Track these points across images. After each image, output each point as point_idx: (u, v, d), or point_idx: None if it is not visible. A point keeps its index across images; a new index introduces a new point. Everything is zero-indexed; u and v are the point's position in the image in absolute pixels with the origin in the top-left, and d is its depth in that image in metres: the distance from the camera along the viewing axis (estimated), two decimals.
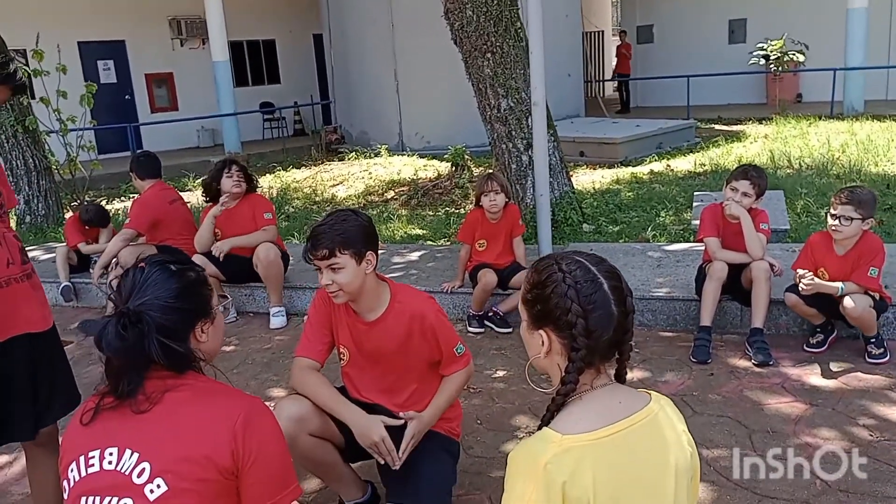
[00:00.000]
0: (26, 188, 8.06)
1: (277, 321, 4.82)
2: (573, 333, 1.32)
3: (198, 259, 4.48)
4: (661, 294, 4.25)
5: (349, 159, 12.31)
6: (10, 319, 2.10)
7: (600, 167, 10.03)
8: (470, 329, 4.41)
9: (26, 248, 2.27)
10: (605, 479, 1.23)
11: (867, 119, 12.01)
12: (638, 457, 1.28)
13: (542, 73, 4.51)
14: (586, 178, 9.06)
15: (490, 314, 4.44)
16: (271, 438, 1.50)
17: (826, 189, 7.00)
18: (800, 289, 3.52)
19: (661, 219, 6.52)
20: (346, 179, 10.63)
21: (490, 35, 5.90)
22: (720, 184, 6.67)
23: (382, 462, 2.20)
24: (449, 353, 2.38)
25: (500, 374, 3.81)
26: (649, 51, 19.13)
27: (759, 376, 3.53)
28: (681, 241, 5.59)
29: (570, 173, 7.02)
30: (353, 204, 8.93)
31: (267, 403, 1.67)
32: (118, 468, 1.40)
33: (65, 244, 5.81)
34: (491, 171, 5.68)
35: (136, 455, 1.40)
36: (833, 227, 3.51)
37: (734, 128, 12.88)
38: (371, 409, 2.34)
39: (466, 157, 9.24)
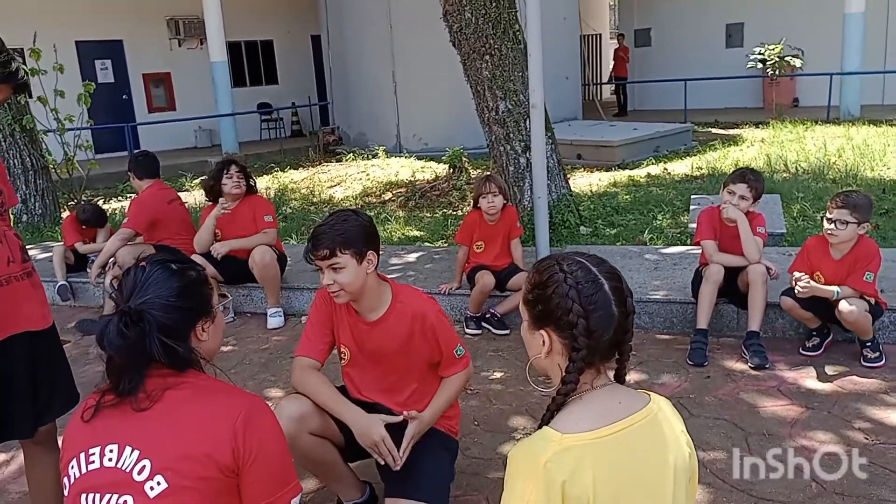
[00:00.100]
0: (23, 187, 8.04)
1: (275, 321, 4.83)
2: (574, 333, 1.33)
3: (196, 259, 4.48)
4: (657, 297, 4.26)
5: (347, 160, 12.32)
6: (11, 318, 2.11)
7: (597, 170, 10.05)
8: (467, 330, 4.42)
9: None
10: (605, 478, 1.24)
11: (863, 124, 12.06)
12: (637, 456, 1.29)
13: (541, 76, 4.52)
14: (583, 181, 9.08)
15: (488, 316, 4.45)
16: (271, 436, 1.51)
17: (822, 193, 7.03)
18: (796, 292, 3.54)
19: (658, 222, 6.54)
20: (343, 181, 10.63)
21: (489, 37, 5.91)
22: (717, 187, 6.69)
23: (383, 463, 2.20)
24: (449, 355, 2.39)
25: (498, 375, 3.82)
26: (647, 54, 19.18)
27: (756, 379, 3.55)
28: (678, 245, 5.61)
29: (568, 176, 7.03)
30: (351, 205, 8.93)
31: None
32: (119, 465, 1.40)
33: (62, 243, 5.80)
34: (489, 173, 5.69)
35: (136, 452, 1.41)
36: (829, 231, 3.52)
37: (731, 132, 12.92)
38: (371, 408, 2.35)
39: (464, 159, 9.26)
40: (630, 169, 9.91)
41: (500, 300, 4.48)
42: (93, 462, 1.42)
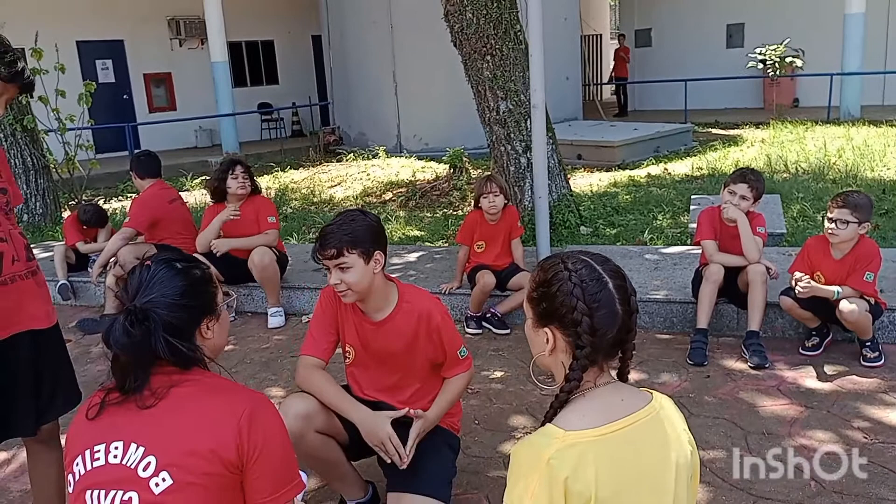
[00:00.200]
0: (24, 187, 8.05)
1: (275, 321, 4.84)
2: (578, 331, 1.34)
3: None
4: (658, 297, 4.27)
5: (347, 160, 12.33)
6: (15, 316, 2.12)
7: (598, 170, 10.06)
8: (468, 330, 4.43)
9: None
10: (608, 474, 1.25)
11: (863, 124, 12.07)
12: (640, 453, 1.30)
13: (542, 76, 4.53)
14: (584, 181, 9.09)
15: (488, 315, 4.46)
16: (276, 433, 1.52)
17: (822, 193, 7.04)
18: (796, 292, 3.55)
19: (659, 222, 6.55)
20: (344, 180, 10.64)
21: (490, 37, 5.93)
22: (717, 187, 6.70)
23: (389, 461, 2.21)
24: (452, 356, 2.41)
25: (498, 374, 3.83)
26: (647, 54, 19.19)
27: (755, 379, 3.56)
28: (678, 245, 5.62)
29: (568, 176, 7.05)
30: (351, 205, 8.94)
31: None
32: (124, 462, 1.41)
33: (63, 243, 5.81)
34: (490, 173, 5.70)
35: (141, 449, 1.42)
36: (830, 231, 3.54)
37: (731, 132, 12.93)
38: (374, 406, 2.36)
39: (464, 159, 9.27)
40: (630, 169, 9.92)
41: (500, 300, 4.49)
42: (98, 459, 1.43)
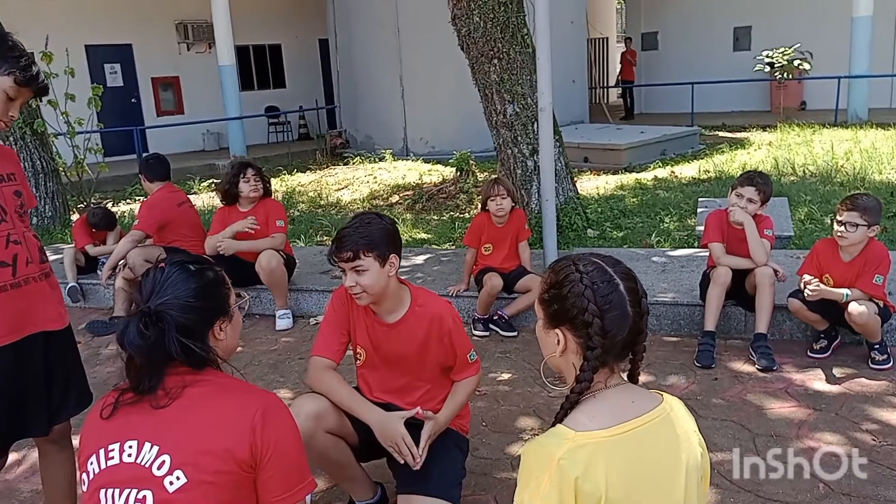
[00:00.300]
0: (34, 190, 8.08)
1: (283, 323, 4.86)
2: (589, 333, 1.35)
3: None
4: (665, 299, 4.27)
5: (354, 164, 12.35)
6: (29, 317, 2.14)
7: (604, 173, 10.06)
8: (475, 332, 4.44)
9: None
10: (618, 475, 1.26)
11: (871, 127, 12.03)
12: (650, 454, 1.31)
13: (550, 79, 4.54)
14: (590, 184, 9.09)
15: (495, 318, 4.47)
16: (288, 433, 1.54)
17: (830, 196, 7.02)
18: (805, 294, 3.55)
19: (666, 225, 6.55)
20: (350, 184, 10.66)
21: (497, 41, 5.94)
22: (724, 190, 6.70)
23: (402, 462, 2.22)
24: (462, 359, 2.42)
25: (505, 376, 3.84)
26: (653, 58, 19.19)
27: (763, 381, 3.55)
28: (685, 247, 5.61)
29: (575, 179, 7.05)
30: (358, 208, 8.96)
31: None
32: (138, 461, 1.43)
33: (72, 245, 5.85)
34: (497, 175, 5.71)
35: (156, 448, 1.43)
36: (839, 234, 3.53)
37: (738, 135, 12.91)
38: (384, 408, 2.37)
39: (471, 162, 9.28)
40: (637, 172, 9.92)
41: (507, 302, 4.50)
42: (112, 458, 1.45)
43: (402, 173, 10.91)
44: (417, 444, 2.23)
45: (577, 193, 6.77)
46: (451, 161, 9.72)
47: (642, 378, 3.70)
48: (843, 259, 3.61)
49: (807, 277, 3.57)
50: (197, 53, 16.78)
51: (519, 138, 6.07)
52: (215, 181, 11.13)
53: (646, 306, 1.39)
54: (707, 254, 4.14)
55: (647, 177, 9.36)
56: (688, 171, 9.56)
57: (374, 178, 10.84)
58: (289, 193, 10.07)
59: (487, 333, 4.45)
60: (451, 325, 2.37)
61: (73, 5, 14.43)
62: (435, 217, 8.02)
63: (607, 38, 24.69)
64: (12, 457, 3.30)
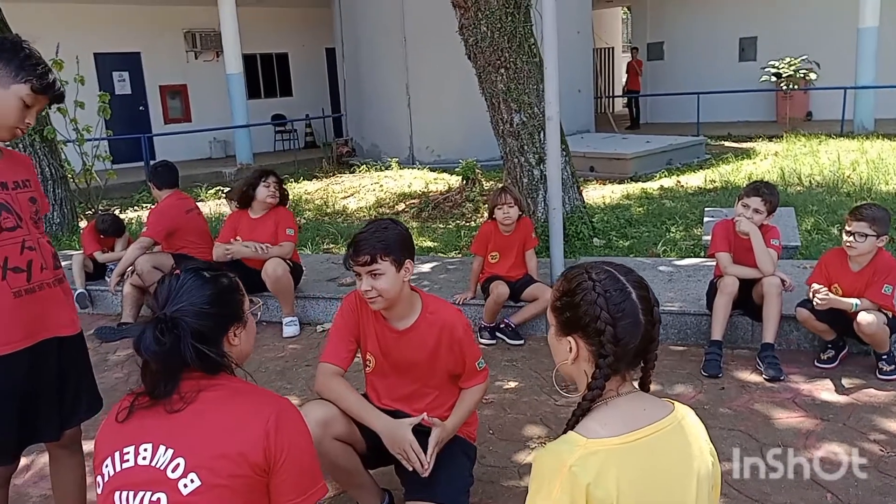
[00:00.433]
0: None
1: (290, 330, 4.87)
2: (601, 340, 1.36)
3: None
4: (672, 308, 4.27)
5: (360, 172, 12.40)
6: (42, 322, 2.16)
7: (610, 182, 10.08)
8: (481, 340, 4.44)
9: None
10: (629, 482, 1.27)
11: (877, 137, 12.03)
12: (661, 463, 1.32)
13: (557, 89, 4.56)
14: (596, 193, 9.10)
15: (502, 326, 4.47)
16: (301, 438, 1.55)
17: (836, 207, 7.02)
18: (814, 304, 3.54)
19: (672, 234, 6.55)
20: (357, 192, 10.70)
21: (504, 51, 5.98)
22: (731, 200, 6.70)
23: (411, 469, 2.23)
24: (471, 367, 2.44)
25: (512, 385, 3.85)
26: (659, 67, 19.22)
27: (770, 391, 3.55)
28: (691, 257, 5.62)
29: (581, 188, 7.07)
30: (365, 216, 8.99)
31: None
32: (153, 463, 1.45)
33: (81, 252, 5.88)
34: (504, 184, 5.73)
35: (170, 451, 1.45)
36: (848, 244, 3.54)
37: (744, 145, 12.92)
38: (391, 415, 2.38)
39: (477, 170, 9.31)
40: (643, 181, 9.93)
41: (514, 310, 4.50)
42: (127, 461, 1.46)
43: (407, 182, 10.95)
44: (425, 451, 2.24)
45: (584, 202, 6.79)
46: (456, 170, 9.76)
47: None
48: (852, 269, 3.61)
49: (815, 287, 3.57)
50: (205, 62, 16.88)
51: (525, 147, 6.10)
52: (222, 188, 11.20)
53: (658, 315, 1.40)
54: (714, 263, 4.15)
55: (652, 186, 9.37)
56: (694, 180, 9.57)
57: (381, 186, 10.88)
58: (295, 201, 10.10)
59: (494, 342, 4.46)
60: (462, 334, 2.39)
61: (82, 14, 14.54)
62: (441, 225, 8.05)
63: (613, 48, 24.79)
64: (20, 462, 3.33)
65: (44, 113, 7.67)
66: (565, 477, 1.25)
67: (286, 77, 18.59)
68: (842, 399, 3.42)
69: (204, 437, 1.46)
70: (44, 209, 2.25)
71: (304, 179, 12.41)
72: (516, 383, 3.86)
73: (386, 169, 12.15)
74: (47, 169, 8.15)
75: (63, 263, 6.17)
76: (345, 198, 10.42)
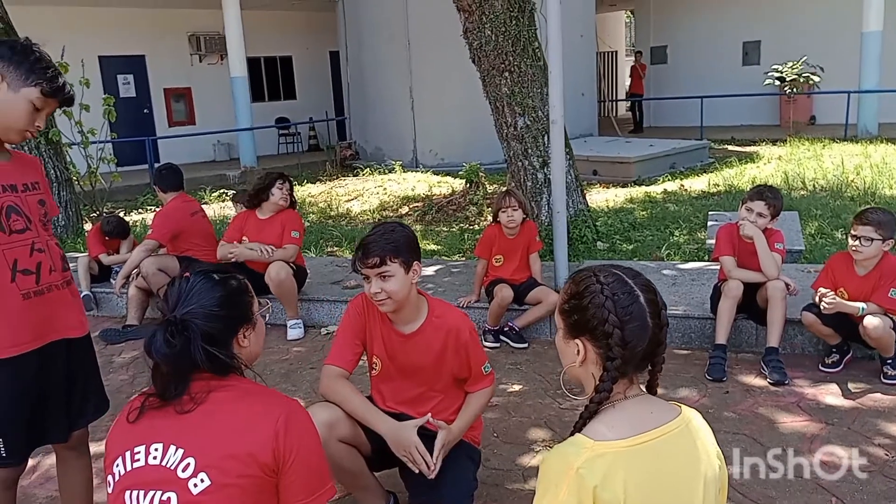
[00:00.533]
0: None
1: (294, 333, 4.88)
2: (609, 343, 1.37)
3: None
4: (676, 312, 4.27)
5: (363, 175, 12.41)
6: (51, 324, 2.17)
7: (613, 186, 10.08)
8: (485, 344, 4.43)
9: None
10: (636, 485, 1.27)
11: (881, 142, 12.01)
12: (668, 466, 1.32)
13: (561, 92, 4.57)
14: (600, 197, 9.10)
15: (506, 329, 4.48)
16: (310, 439, 1.56)
17: (840, 211, 7.02)
18: (822, 308, 3.55)
19: (676, 238, 6.55)
20: (360, 195, 10.72)
21: (508, 54, 5.99)
22: (734, 204, 6.71)
23: (417, 471, 2.23)
24: (477, 371, 2.45)
25: (516, 388, 3.85)
26: (663, 71, 19.23)
27: (775, 395, 3.55)
28: (695, 260, 5.61)
29: (585, 192, 7.07)
30: (369, 219, 9.01)
31: None
32: (163, 463, 1.46)
33: (86, 254, 5.90)
34: (508, 187, 5.74)
35: (181, 451, 1.46)
36: (854, 248, 3.54)
37: (747, 149, 12.91)
38: (396, 418, 2.38)
39: (480, 174, 9.32)
40: (646, 185, 9.93)
41: (518, 314, 4.51)
42: (138, 460, 1.48)
43: (411, 185, 10.96)
44: (431, 454, 2.25)
45: (587, 206, 6.79)
46: (460, 173, 9.76)
47: None
48: (858, 273, 3.61)
49: (822, 290, 3.57)
50: (209, 65, 16.92)
51: (529, 151, 6.11)
52: (226, 191, 11.22)
53: (665, 318, 1.40)
54: (718, 267, 4.15)
55: (656, 190, 9.37)
56: (697, 184, 9.57)
57: (384, 189, 10.89)
58: (299, 204, 10.08)
59: (498, 345, 4.46)
60: (468, 338, 2.39)
61: (87, 17, 14.59)
62: (444, 228, 8.05)
63: (616, 52, 24.80)
64: (27, 463, 3.34)
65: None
66: (572, 479, 1.25)
67: (290, 80, 18.63)
68: (846, 403, 3.42)
69: (214, 437, 1.48)
70: (52, 212, 2.26)
71: (307, 182, 12.42)
72: (520, 386, 3.86)
73: (389, 172, 12.16)
74: (52, 171, 8.16)
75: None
76: (348, 201, 10.43)
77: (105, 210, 8.59)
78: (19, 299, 2.09)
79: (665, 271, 5.18)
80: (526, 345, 4.41)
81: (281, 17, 17.36)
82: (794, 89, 15.10)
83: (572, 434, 1.36)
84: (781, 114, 15.98)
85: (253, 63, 16.51)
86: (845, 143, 12.32)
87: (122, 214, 8.58)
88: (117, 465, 1.50)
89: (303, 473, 1.52)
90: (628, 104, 20.94)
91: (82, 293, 5.57)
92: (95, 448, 2.72)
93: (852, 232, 3.57)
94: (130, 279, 5.17)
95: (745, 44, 17.34)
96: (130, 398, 1.71)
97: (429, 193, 10.13)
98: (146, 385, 1.59)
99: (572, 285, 1.46)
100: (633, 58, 20.94)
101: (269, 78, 18.22)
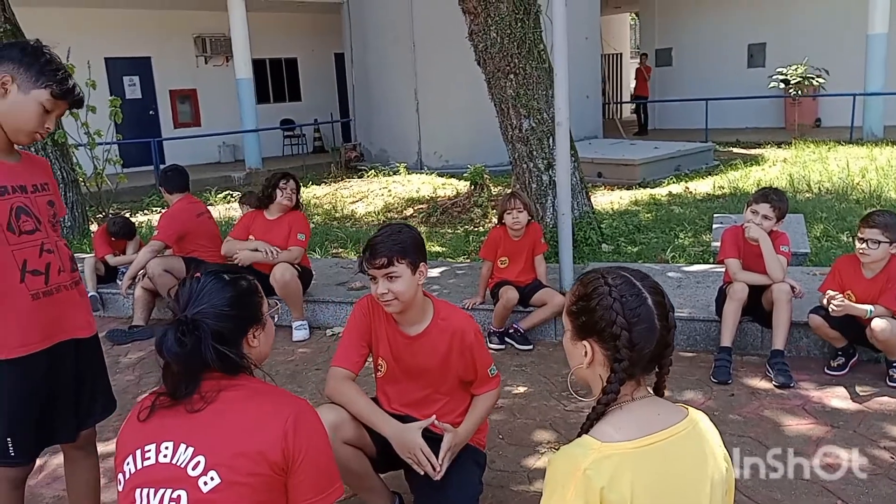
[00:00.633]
0: None
1: (300, 334, 4.89)
2: (617, 345, 1.37)
3: None
4: (682, 314, 4.27)
5: (368, 177, 12.43)
6: (59, 325, 2.18)
7: (618, 188, 10.08)
8: (490, 345, 4.44)
9: None
10: (643, 486, 1.28)
11: (887, 144, 11.99)
12: (675, 467, 1.33)
13: (567, 94, 4.58)
14: (605, 199, 9.11)
15: (511, 331, 4.48)
16: (319, 439, 1.58)
17: (846, 214, 7.00)
18: (830, 309, 3.54)
19: (681, 240, 6.55)
20: (365, 196, 10.73)
21: (513, 56, 6.00)
22: (739, 206, 6.69)
23: (423, 473, 2.24)
24: (483, 374, 2.45)
25: (521, 390, 3.85)
26: (667, 73, 19.22)
27: (780, 398, 3.55)
28: (700, 263, 5.61)
29: (589, 194, 7.07)
30: (373, 221, 9.02)
31: None
32: (173, 461, 1.47)
33: (93, 255, 5.92)
34: (513, 189, 5.74)
35: (191, 449, 1.48)
36: (861, 251, 3.54)
37: (753, 151, 12.90)
38: (401, 420, 2.39)
39: (485, 176, 9.33)
40: (651, 187, 9.93)
41: (523, 316, 4.51)
42: (148, 458, 1.49)
43: (416, 187, 10.97)
44: (436, 457, 2.25)
45: (592, 208, 6.79)
46: (465, 175, 9.78)
47: None
48: (866, 276, 3.61)
49: (830, 293, 3.56)
50: (214, 66, 16.97)
51: (534, 153, 6.11)
52: (231, 192, 11.25)
53: (673, 320, 1.41)
54: (723, 270, 4.15)
55: (661, 192, 9.37)
56: (702, 186, 9.56)
57: (389, 191, 10.91)
58: (304, 206, 10.12)
59: (503, 347, 4.47)
60: (473, 340, 2.40)
61: (93, 18, 14.64)
62: (449, 230, 8.06)
63: (621, 54, 24.79)
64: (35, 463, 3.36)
65: None
66: (579, 480, 1.26)
67: (295, 82, 18.67)
68: (852, 406, 3.42)
69: (224, 435, 1.49)
70: (61, 212, 2.27)
71: (312, 184, 12.44)
72: (525, 388, 3.87)
73: (394, 174, 12.18)
74: (59, 172, 8.19)
75: None
76: (353, 202, 10.45)
77: (111, 211, 8.62)
78: (28, 300, 2.10)
79: (670, 273, 5.17)
80: (531, 347, 4.42)
81: (286, 19, 17.40)
82: (800, 92, 15.07)
83: (579, 435, 1.37)
84: (786, 116, 15.95)
85: (258, 65, 16.54)
86: (851, 145, 12.30)
87: (127, 215, 8.62)
88: (128, 464, 1.51)
89: (311, 473, 1.53)
90: (633, 106, 20.92)
91: (89, 294, 5.58)
92: (102, 448, 2.73)
93: (859, 235, 3.57)
94: (136, 280, 5.19)
95: (751, 46, 17.32)
96: (137, 398, 1.72)
97: (433, 195, 10.14)
98: (152, 386, 1.61)
99: (580, 287, 1.46)
100: (637, 60, 20.93)
101: (275, 80, 18.26)
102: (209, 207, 9.34)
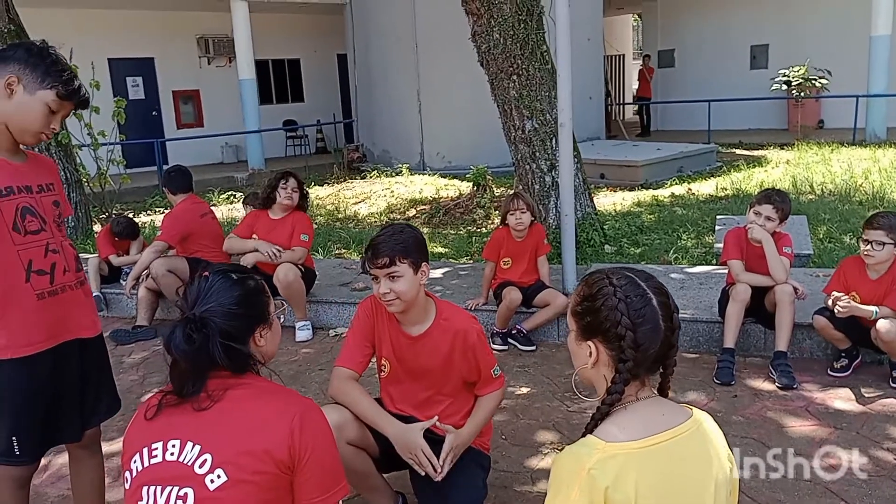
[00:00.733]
0: None
1: (303, 334, 4.90)
2: (621, 346, 1.38)
3: None
4: (685, 316, 4.26)
5: (371, 178, 12.45)
6: (64, 324, 2.19)
7: (621, 189, 10.08)
8: (493, 346, 4.44)
9: None
10: (648, 486, 1.28)
11: (890, 146, 11.98)
12: (680, 468, 1.33)
13: (570, 95, 4.59)
14: (607, 200, 9.11)
15: (514, 332, 4.48)
16: (324, 438, 1.58)
17: (849, 215, 7.00)
18: (835, 311, 3.54)
19: (683, 242, 6.55)
20: (368, 197, 10.74)
21: (516, 58, 6.01)
22: (742, 208, 6.70)
23: (423, 474, 2.24)
24: (486, 374, 2.44)
25: (524, 390, 3.86)
26: (670, 75, 19.21)
27: (783, 399, 3.55)
28: (703, 264, 5.61)
29: (592, 195, 7.08)
30: (376, 221, 9.03)
31: None
32: (180, 459, 1.48)
33: (97, 255, 5.94)
34: (516, 190, 5.75)
35: (197, 447, 1.48)
36: (865, 252, 3.54)
37: (755, 153, 12.89)
38: (405, 421, 2.39)
39: (488, 177, 9.33)
40: (653, 189, 9.92)
41: (526, 316, 4.52)
42: (155, 456, 1.50)
43: (418, 187, 10.98)
44: (438, 458, 2.25)
45: (595, 209, 6.80)
46: (467, 176, 9.78)
47: None
48: (870, 277, 3.61)
49: (836, 294, 3.56)
50: (217, 67, 17.00)
51: (537, 154, 6.12)
52: (234, 193, 11.27)
53: (677, 321, 1.41)
54: (726, 271, 4.15)
55: (663, 194, 9.37)
56: (705, 188, 9.56)
57: (391, 192, 10.92)
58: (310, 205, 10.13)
59: (506, 347, 4.47)
60: (476, 341, 2.39)
61: (96, 19, 14.68)
62: (452, 231, 8.07)
63: (624, 56, 24.79)
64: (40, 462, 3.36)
65: None
66: (584, 480, 1.26)
67: (298, 83, 18.69)
68: (855, 408, 3.42)
69: (230, 434, 1.50)
70: (66, 212, 2.28)
71: (315, 185, 12.45)
72: (528, 389, 3.87)
73: (397, 175, 12.19)
74: (63, 173, 8.20)
75: None
76: (356, 203, 10.46)
77: (114, 211, 8.63)
78: (34, 299, 2.11)
79: (673, 275, 5.18)
80: (534, 347, 4.42)
81: (289, 19, 17.42)
82: (802, 93, 15.06)
83: (584, 435, 1.37)
84: (789, 118, 15.94)
85: (261, 65, 16.58)
86: (854, 147, 12.29)
87: (131, 216, 8.63)
88: (135, 462, 1.52)
89: (317, 471, 1.54)
90: (636, 108, 20.91)
91: (93, 294, 5.60)
92: (107, 447, 2.74)
93: (863, 237, 3.57)
94: (140, 280, 5.21)
95: (753, 47, 17.30)
96: (141, 398, 1.72)
97: (436, 196, 10.15)
98: (156, 385, 1.62)
99: (585, 287, 1.47)
100: (640, 61, 20.93)
101: (277, 80, 18.28)
102: (212, 208, 9.39)
